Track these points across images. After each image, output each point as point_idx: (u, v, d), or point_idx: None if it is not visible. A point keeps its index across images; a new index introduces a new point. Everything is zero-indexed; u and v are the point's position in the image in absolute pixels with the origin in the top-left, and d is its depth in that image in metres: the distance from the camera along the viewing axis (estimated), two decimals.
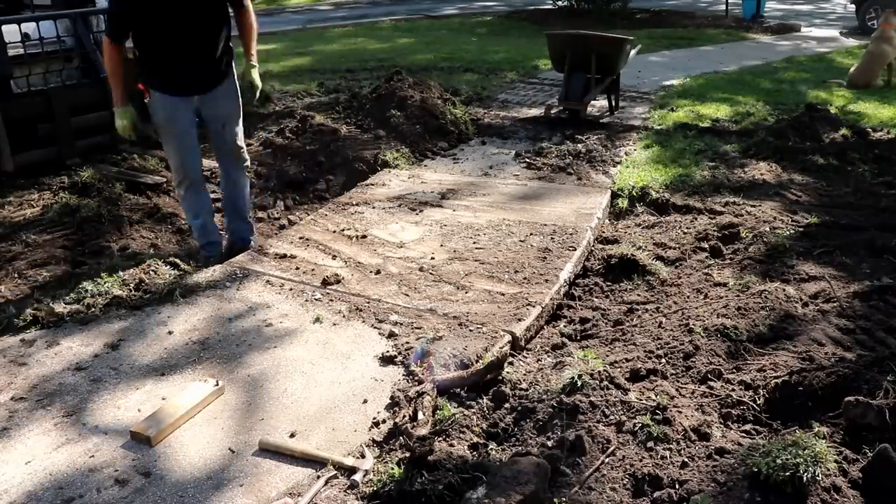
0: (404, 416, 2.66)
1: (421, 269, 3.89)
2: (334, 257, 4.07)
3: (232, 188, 4.32)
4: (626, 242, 4.29)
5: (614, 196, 5.10)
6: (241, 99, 4.16)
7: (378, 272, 3.87)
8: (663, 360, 2.97)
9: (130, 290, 3.63)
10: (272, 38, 13.69)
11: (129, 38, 3.79)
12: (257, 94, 4.25)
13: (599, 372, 2.70)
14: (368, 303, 3.55)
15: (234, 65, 4.06)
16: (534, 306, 3.46)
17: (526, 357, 3.19)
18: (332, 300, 3.59)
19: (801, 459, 2.07)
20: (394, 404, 2.78)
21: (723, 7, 16.16)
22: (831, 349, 2.92)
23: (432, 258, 4.03)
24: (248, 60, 4.06)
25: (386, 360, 3.08)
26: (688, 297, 3.60)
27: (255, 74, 4.10)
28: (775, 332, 3.10)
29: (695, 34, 13.45)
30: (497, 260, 3.97)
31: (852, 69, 8.84)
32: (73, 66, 5.82)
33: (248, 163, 4.37)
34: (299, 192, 5.42)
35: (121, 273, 3.76)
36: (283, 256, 4.06)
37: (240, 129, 4.20)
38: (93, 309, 3.47)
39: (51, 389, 2.89)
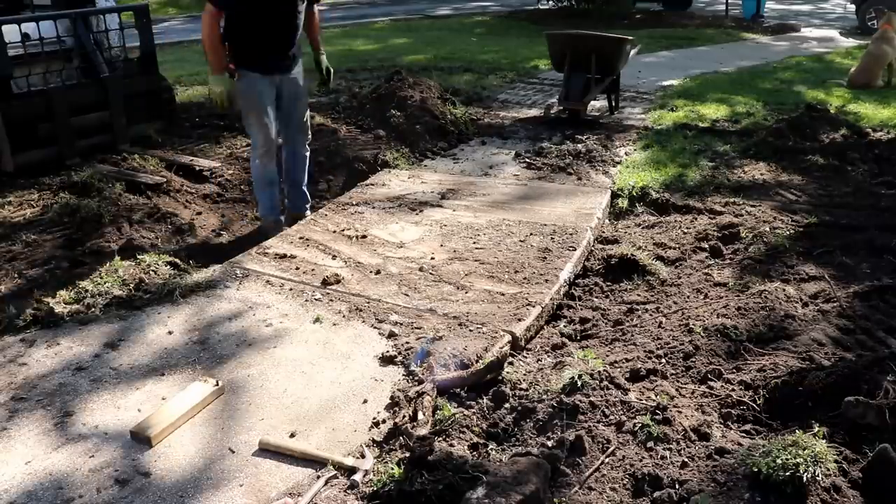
0: (404, 416, 2.66)
1: (421, 269, 3.89)
2: (334, 257, 4.07)
3: (293, 160, 4.83)
4: (626, 242, 4.29)
5: (614, 196, 5.10)
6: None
7: (378, 272, 3.87)
8: (663, 360, 2.97)
9: (130, 290, 3.63)
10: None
11: (229, 10, 4.21)
12: (329, 78, 4.93)
13: (599, 372, 2.70)
14: (368, 303, 3.55)
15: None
16: (534, 306, 3.46)
17: (526, 357, 3.19)
18: (332, 300, 3.59)
19: (801, 459, 2.07)
20: (394, 404, 2.78)
21: (722, 7, 16.17)
22: (831, 349, 2.92)
23: (432, 258, 4.03)
24: (318, 50, 4.79)
25: (386, 360, 3.08)
26: (688, 297, 3.60)
27: (326, 60, 4.85)
28: (775, 332, 3.10)
29: (694, 34, 13.46)
30: (497, 260, 3.97)
31: (853, 69, 8.84)
32: (73, 66, 5.82)
33: (310, 137, 4.91)
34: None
35: (121, 273, 3.76)
36: (283, 256, 4.06)
37: (307, 107, 4.87)
38: (93, 309, 3.47)
39: (51, 389, 2.89)
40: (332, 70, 4.91)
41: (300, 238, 4.34)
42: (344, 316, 3.44)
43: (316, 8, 4.68)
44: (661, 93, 8.53)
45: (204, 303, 3.59)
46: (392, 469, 2.35)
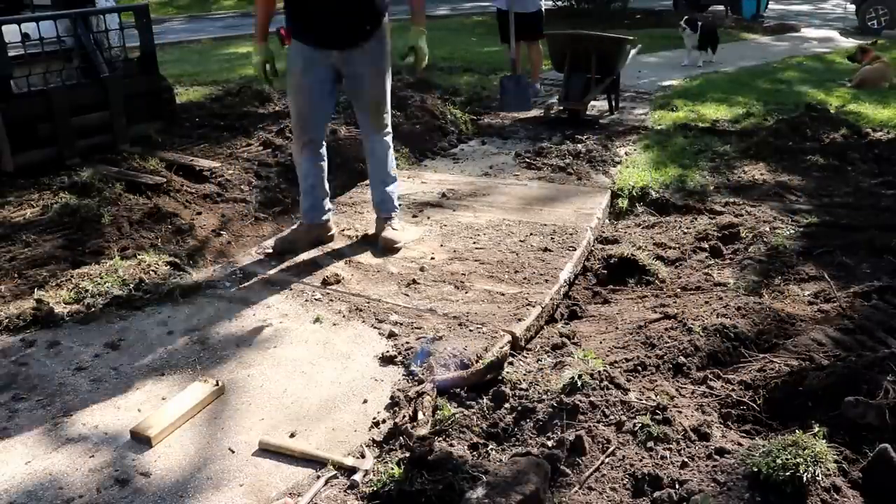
0: (404, 416, 2.66)
1: (421, 269, 3.89)
2: (334, 257, 4.07)
3: (369, 156, 4.18)
4: (626, 242, 4.29)
5: (614, 196, 5.10)
6: (389, 64, 3.99)
7: (378, 272, 3.87)
8: (664, 360, 2.97)
9: (130, 290, 3.63)
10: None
11: None
12: (421, 61, 3.96)
13: (599, 372, 2.70)
14: (368, 303, 3.55)
15: (386, 29, 3.90)
16: (534, 306, 3.45)
17: (526, 357, 3.19)
18: (332, 300, 3.59)
19: (801, 459, 2.07)
20: (394, 404, 2.78)
21: (722, 7, 16.17)
22: (831, 349, 2.92)
23: (432, 258, 4.03)
24: (418, 25, 3.91)
25: (386, 360, 3.08)
26: (688, 296, 3.60)
27: (423, 41, 3.90)
28: (775, 332, 3.10)
29: None
30: (497, 260, 3.97)
31: (867, 69, 8.80)
32: (73, 66, 5.81)
33: (387, 129, 4.12)
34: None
35: (121, 273, 3.76)
36: (284, 256, 4.06)
37: (383, 95, 4.00)
38: (93, 309, 3.47)
39: (51, 389, 2.89)
40: (423, 50, 3.90)
41: None
42: (344, 316, 3.44)
43: None
44: (662, 93, 8.53)
45: (204, 303, 3.59)
46: (392, 469, 2.35)
